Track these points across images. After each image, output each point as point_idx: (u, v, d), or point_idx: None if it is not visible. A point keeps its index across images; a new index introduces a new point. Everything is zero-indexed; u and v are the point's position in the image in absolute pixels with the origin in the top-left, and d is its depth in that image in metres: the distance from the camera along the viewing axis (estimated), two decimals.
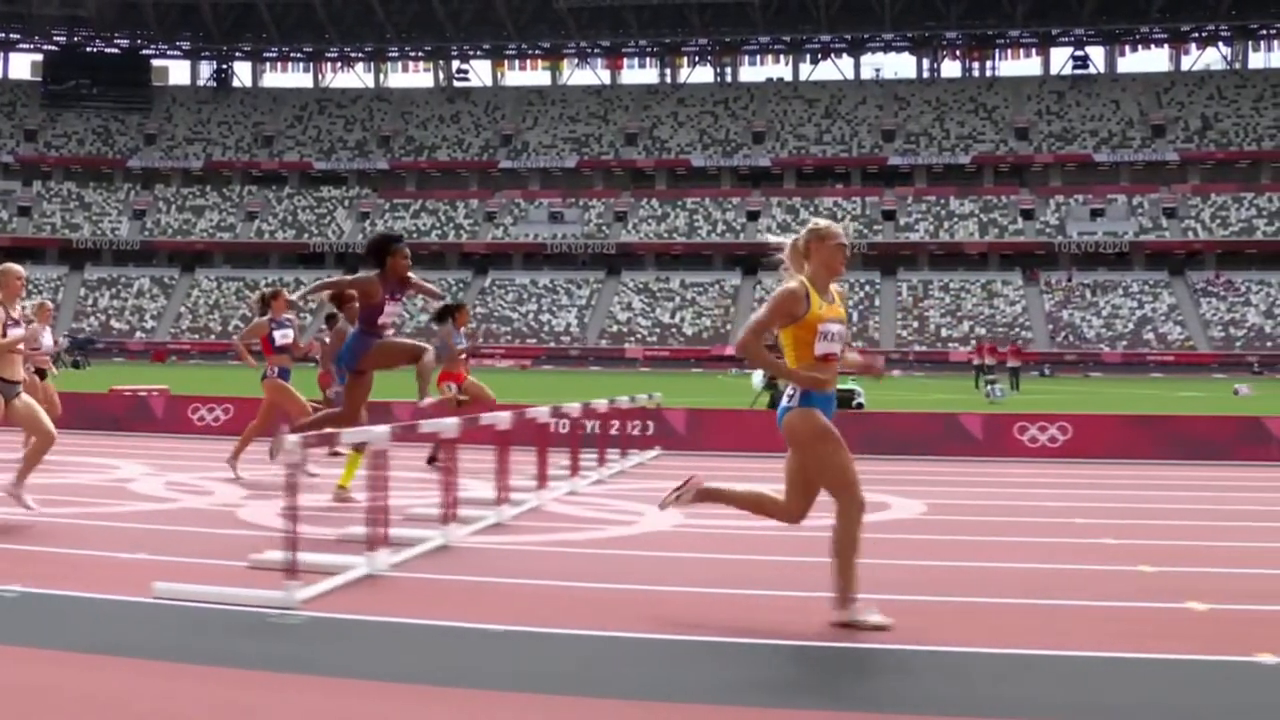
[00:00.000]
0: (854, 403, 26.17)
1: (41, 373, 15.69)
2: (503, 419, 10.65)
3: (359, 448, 10.82)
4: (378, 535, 7.98)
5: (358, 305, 10.43)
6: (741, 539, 9.77)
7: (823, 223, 6.81)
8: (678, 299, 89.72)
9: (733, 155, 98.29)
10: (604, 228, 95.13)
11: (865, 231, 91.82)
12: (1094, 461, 16.31)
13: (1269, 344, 79.41)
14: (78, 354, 63.19)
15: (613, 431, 16.88)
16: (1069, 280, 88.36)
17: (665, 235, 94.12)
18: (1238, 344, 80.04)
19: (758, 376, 23.77)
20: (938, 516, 11.21)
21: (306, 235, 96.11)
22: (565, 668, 5.73)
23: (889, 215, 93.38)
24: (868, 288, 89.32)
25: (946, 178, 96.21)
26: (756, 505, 6.99)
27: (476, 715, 5.01)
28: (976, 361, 40.88)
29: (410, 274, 10.39)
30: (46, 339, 16.10)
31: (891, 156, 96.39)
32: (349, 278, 10.53)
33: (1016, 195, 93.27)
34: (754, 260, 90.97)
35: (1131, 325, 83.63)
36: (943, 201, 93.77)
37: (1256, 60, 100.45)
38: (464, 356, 14.94)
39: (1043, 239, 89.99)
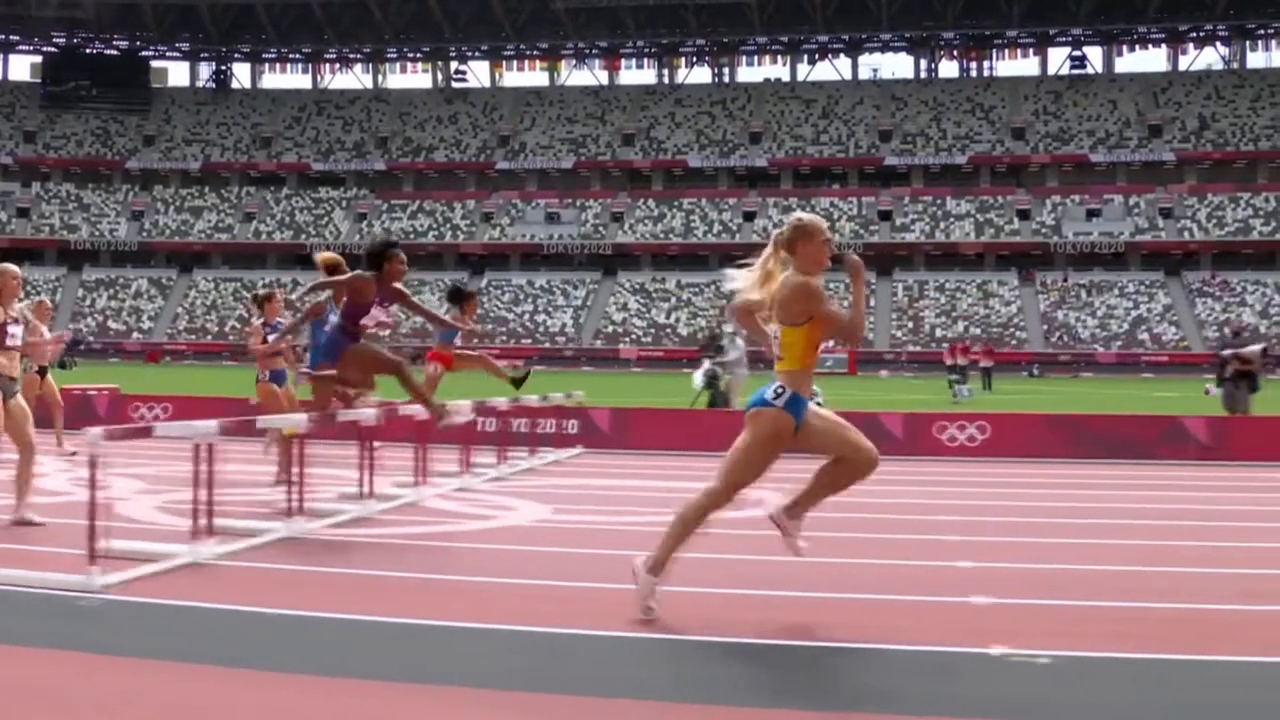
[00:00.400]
0: (814, 401, 26.27)
1: (43, 370, 15.93)
2: (371, 415, 10.78)
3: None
4: (200, 525, 8.11)
5: (345, 299, 10.41)
6: (600, 534, 9.95)
7: (806, 218, 6.86)
8: (673, 299, 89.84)
9: (729, 156, 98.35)
10: (601, 228, 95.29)
11: (861, 232, 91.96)
12: (1011, 460, 16.40)
13: (1263, 344, 79.22)
14: (64, 354, 63.30)
15: (539, 430, 17.09)
16: (1064, 280, 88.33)
17: (661, 236, 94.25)
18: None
19: (698, 376, 23.91)
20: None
21: (304, 236, 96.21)
22: (344, 653, 5.90)
23: (885, 215, 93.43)
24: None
25: (943, 178, 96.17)
26: (699, 521, 6.74)
27: (260, 694, 5.17)
28: (949, 362, 40.92)
29: (409, 295, 10.49)
30: (46, 336, 16.36)
31: (888, 157, 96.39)
32: (345, 276, 10.53)
33: (1013, 195, 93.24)
34: (751, 261, 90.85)
35: (1126, 325, 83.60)
36: (939, 202, 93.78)
37: (1254, 60, 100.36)
38: (459, 345, 14.97)
39: (1038, 239, 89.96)
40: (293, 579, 7.85)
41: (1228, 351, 19.61)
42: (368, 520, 10.36)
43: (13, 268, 10.23)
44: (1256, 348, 20.05)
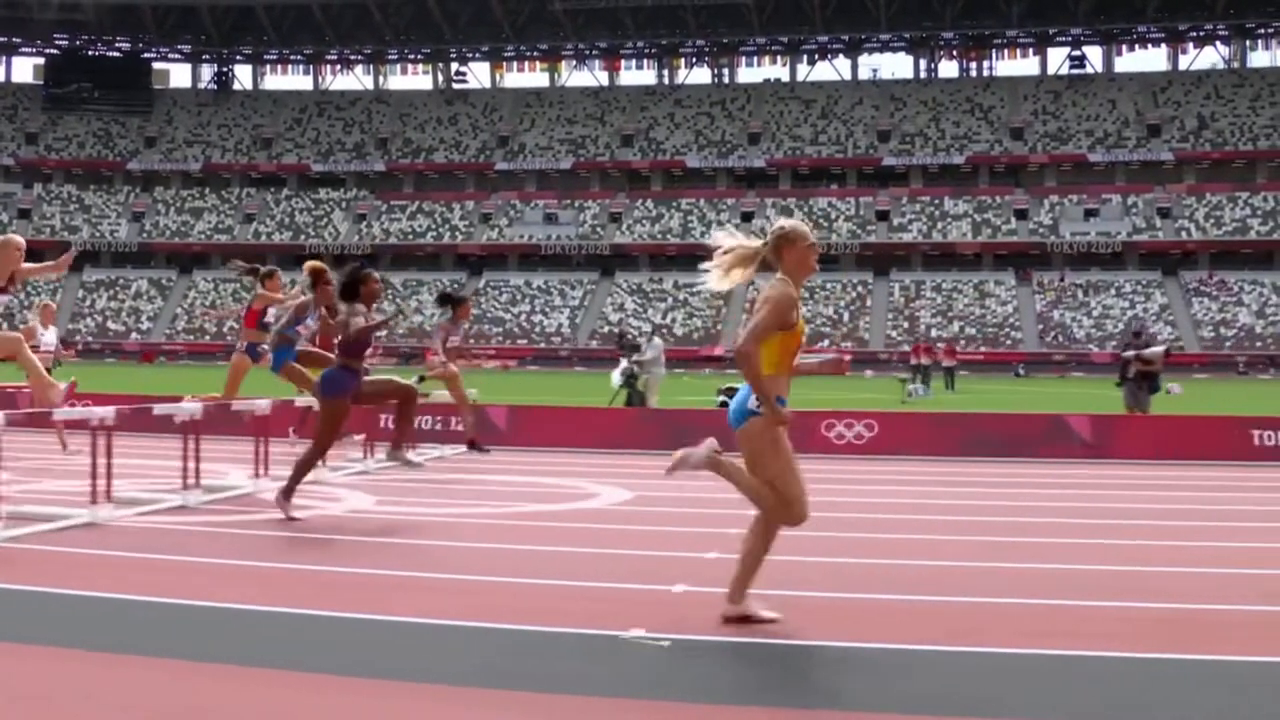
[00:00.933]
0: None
1: (47, 371, 16.03)
2: (192, 409, 10.97)
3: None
4: None
5: (343, 339, 10.51)
6: (397, 524, 10.16)
7: (788, 224, 6.75)
8: (670, 300, 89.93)
9: (728, 156, 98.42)
10: (599, 229, 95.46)
11: (858, 232, 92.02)
12: (895, 458, 16.50)
13: (1258, 344, 79.16)
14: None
15: (434, 427, 17.30)
16: (1061, 280, 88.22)
17: (659, 236, 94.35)
18: (1227, 344, 79.82)
19: (615, 374, 24.05)
20: (631, 507, 11.56)
21: (303, 237, 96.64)
22: (121, 632, 6.14)
23: (883, 215, 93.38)
24: (860, 288, 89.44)
25: (942, 178, 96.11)
26: (758, 497, 6.69)
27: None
28: (913, 362, 41.06)
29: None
30: (50, 337, 16.65)
31: (886, 157, 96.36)
32: (363, 330, 10.54)
33: (1011, 195, 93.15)
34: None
35: (1122, 325, 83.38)
36: (937, 202, 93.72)
37: (1255, 59, 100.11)
38: (458, 348, 15.50)
39: (1036, 239, 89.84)
40: (76, 561, 8.07)
41: (1130, 353, 19.67)
42: (188, 509, 10.58)
43: (17, 238, 10.39)
44: (1159, 349, 20.15)
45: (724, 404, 25.98)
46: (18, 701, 4.88)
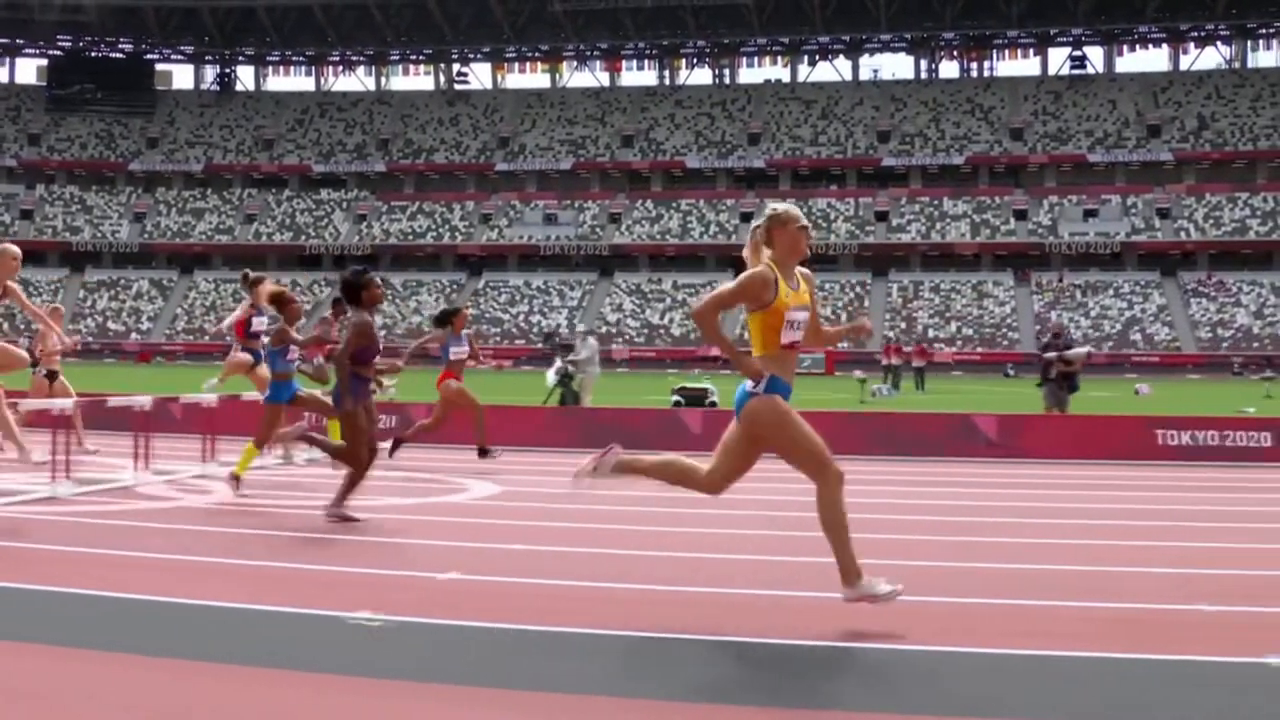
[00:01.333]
0: (706, 400, 26.86)
1: (53, 374, 16.22)
2: (63, 404, 11.24)
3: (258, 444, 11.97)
4: None
5: (353, 348, 10.40)
6: (253, 515, 10.50)
7: (780, 207, 6.83)
8: (668, 300, 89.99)
9: (727, 157, 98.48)
10: (598, 229, 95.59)
11: (857, 232, 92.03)
12: None
13: (1255, 345, 78.96)
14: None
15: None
16: (1060, 281, 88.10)
17: (658, 237, 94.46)
18: (1224, 345, 79.65)
19: (550, 374, 24.21)
20: (496, 502, 11.83)
21: (304, 238, 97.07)
22: None
23: (881, 216, 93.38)
24: (858, 288, 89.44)
25: (942, 179, 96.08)
26: (673, 475, 6.95)
27: None
28: (885, 362, 41.10)
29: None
30: (56, 341, 16.76)
31: (885, 158, 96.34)
32: (351, 336, 10.47)
33: (1010, 196, 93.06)
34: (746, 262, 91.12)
35: (1119, 326, 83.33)
36: (936, 202, 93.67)
37: (1256, 60, 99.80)
38: (465, 360, 15.70)
39: (1034, 239, 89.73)
40: None
41: (1052, 354, 19.77)
42: (57, 500, 10.88)
43: (13, 248, 10.54)
44: (1082, 350, 20.33)
45: (678, 403, 26.19)
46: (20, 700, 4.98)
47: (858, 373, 53.38)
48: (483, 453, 15.59)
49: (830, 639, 6.24)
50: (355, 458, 10.30)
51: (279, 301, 13.01)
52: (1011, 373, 67.51)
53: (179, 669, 5.38)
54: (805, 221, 6.80)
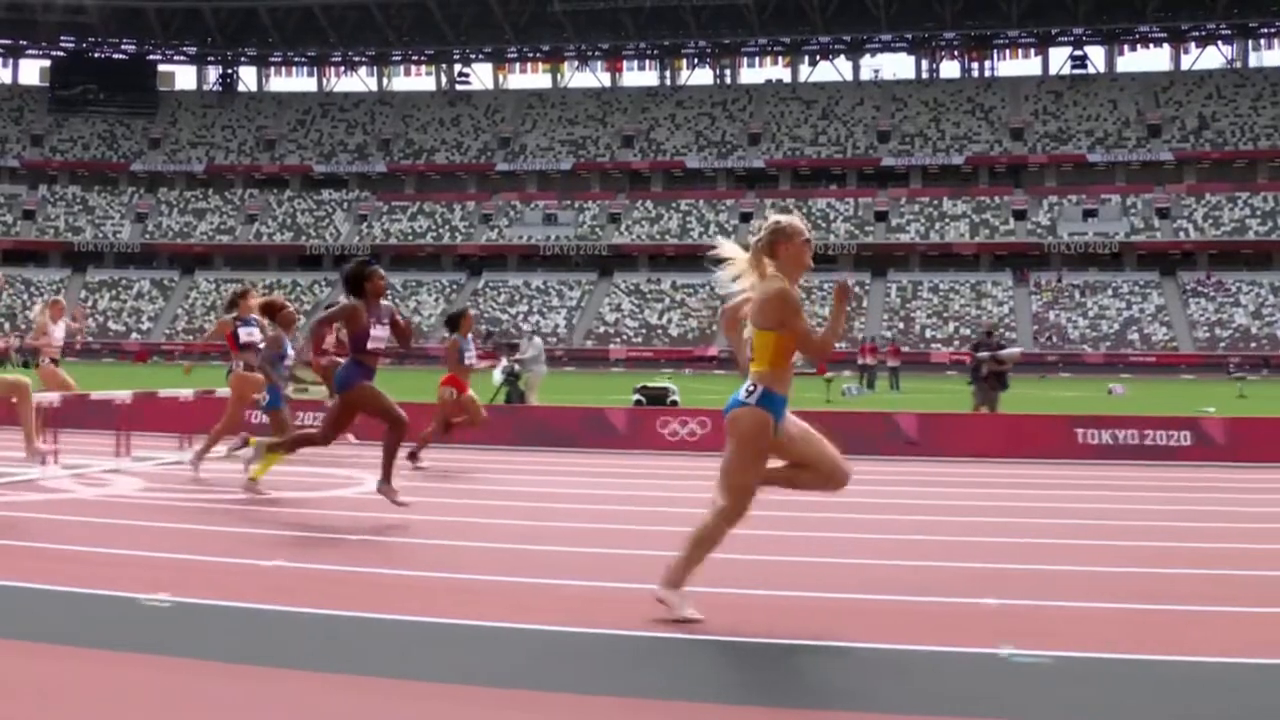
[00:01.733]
0: (668, 400, 27.07)
1: (55, 362, 16.91)
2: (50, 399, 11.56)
3: (275, 448, 11.84)
4: None
5: (343, 332, 10.74)
6: (138, 507, 10.73)
7: (784, 219, 6.77)
8: (667, 300, 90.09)
9: (727, 157, 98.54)
10: (598, 229, 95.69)
11: (856, 233, 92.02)
12: (717, 454, 16.70)
13: (1252, 345, 78.83)
14: (26, 353, 64.24)
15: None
16: (1058, 280, 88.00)
17: (658, 237, 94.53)
18: (1222, 345, 79.52)
19: (497, 373, 24.35)
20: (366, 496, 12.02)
21: (304, 238, 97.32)
22: None
23: (881, 216, 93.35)
24: (857, 289, 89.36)
25: (942, 179, 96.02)
26: (708, 543, 6.77)
27: None
28: (860, 362, 41.16)
29: (397, 316, 10.86)
30: (59, 332, 17.34)
31: (885, 157, 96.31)
32: (332, 312, 10.88)
33: (1010, 196, 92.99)
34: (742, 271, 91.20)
35: (1117, 326, 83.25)
36: (935, 202, 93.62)
37: (1258, 59, 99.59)
38: (471, 364, 15.73)
39: (1033, 239, 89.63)
40: None
41: (985, 353, 19.85)
42: None
43: None
44: (1015, 350, 20.48)
45: (639, 402, 26.33)
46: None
47: (847, 372, 53.50)
48: (413, 455, 15.37)
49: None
50: (396, 420, 10.59)
51: (270, 310, 13.23)
52: (1243, 376, 67.40)
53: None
54: (809, 234, 6.76)
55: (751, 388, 6.62)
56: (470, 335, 15.91)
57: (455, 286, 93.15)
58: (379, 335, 10.58)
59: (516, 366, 23.99)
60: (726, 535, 6.65)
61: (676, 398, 27.22)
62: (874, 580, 8.03)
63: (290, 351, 13.14)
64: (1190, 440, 17.09)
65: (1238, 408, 29.92)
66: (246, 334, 13.88)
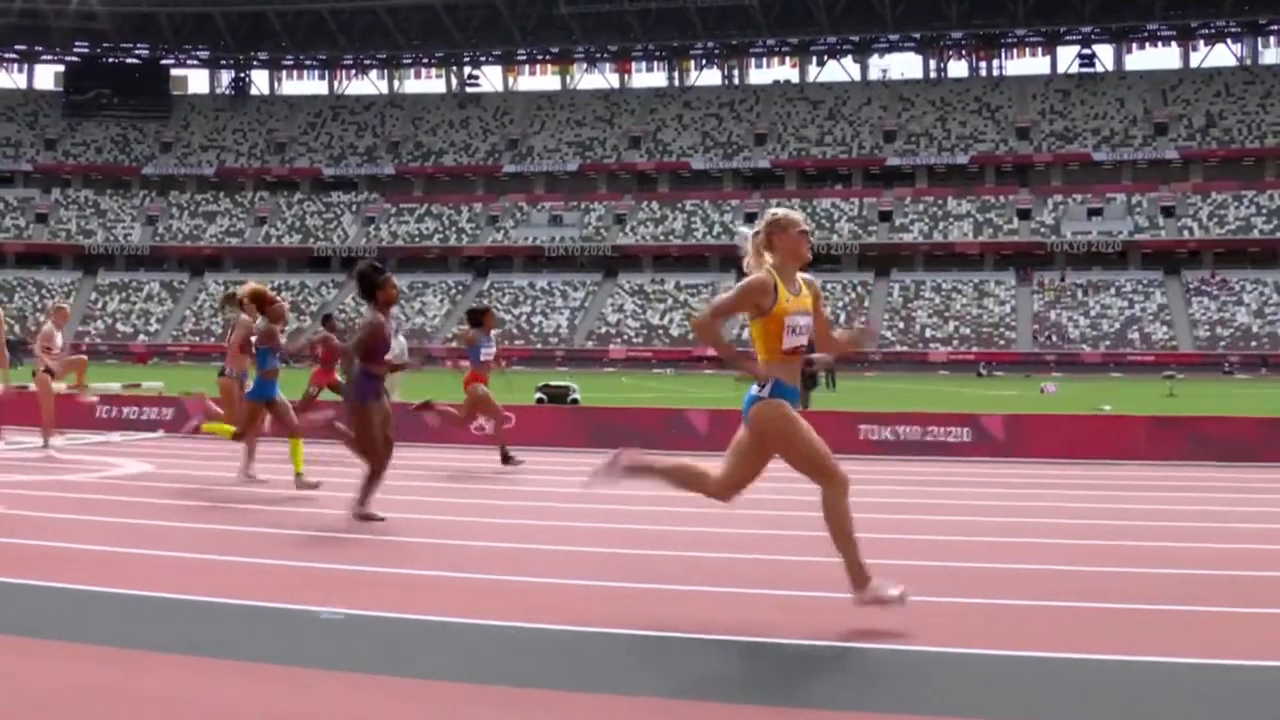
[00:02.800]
0: (569, 398, 27.58)
1: (50, 373, 16.75)
2: None
3: (295, 433, 12.17)
4: None
5: (366, 346, 10.59)
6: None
7: (780, 212, 6.84)
8: (670, 300, 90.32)
9: (733, 158, 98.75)
10: (603, 230, 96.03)
11: (860, 233, 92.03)
12: (524, 448, 17.04)
13: (1253, 344, 78.45)
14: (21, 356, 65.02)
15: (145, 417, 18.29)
16: (1062, 280, 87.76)
17: (662, 238, 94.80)
18: (1222, 344, 79.19)
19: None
20: (142, 482, 12.53)
21: (312, 240, 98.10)
22: None
23: (885, 216, 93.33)
24: (859, 288, 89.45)
25: (948, 178, 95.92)
26: (684, 479, 6.91)
27: None
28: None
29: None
30: (59, 339, 17.24)
31: (890, 157, 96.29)
32: (362, 335, 10.67)
33: (1015, 195, 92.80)
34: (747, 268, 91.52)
35: (1118, 325, 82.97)
36: (940, 202, 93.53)
37: (1268, 57, 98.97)
38: (492, 361, 15.68)
39: (1036, 239, 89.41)
40: None
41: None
42: None
43: None
44: (828, 356, 20.63)
45: (541, 400, 26.71)
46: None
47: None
48: (506, 459, 15.43)
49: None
50: (371, 452, 10.41)
51: (260, 301, 13.15)
52: (984, 372, 67.48)
53: None
54: (806, 225, 6.80)
55: (762, 383, 6.62)
56: (491, 333, 15.81)
57: (461, 288, 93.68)
58: (392, 347, 10.66)
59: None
60: (848, 507, 6.57)
61: (576, 396, 27.89)
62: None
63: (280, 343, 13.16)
64: (970, 437, 17.43)
65: (1173, 406, 29.97)
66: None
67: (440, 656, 5.82)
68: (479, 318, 15.87)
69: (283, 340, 13.24)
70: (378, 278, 10.65)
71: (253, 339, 13.17)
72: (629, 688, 5.28)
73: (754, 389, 6.64)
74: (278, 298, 13.26)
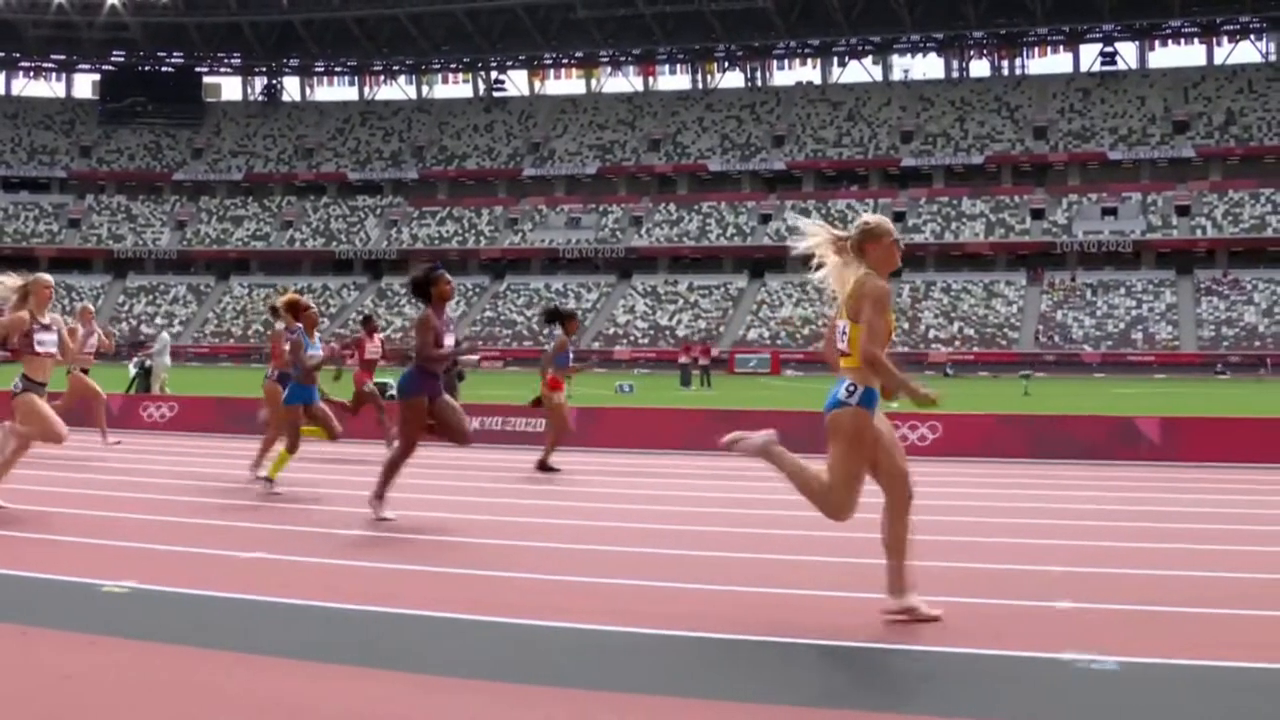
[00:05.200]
0: (386, 394, 28.52)
1: (84, 370, 17.87)
2: None
3: (291, 448, 12.39)
4: None
5: (430, 344, 10.52)
6: None
7: (874, 219, 6.85)
8: (681, 301, 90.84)
9: (750, 159, 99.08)
10: (618, 233, 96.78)
11: None
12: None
13: (1256, 344, 77.53)
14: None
15: None
16: (1072, 279, 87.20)
17: (677, 239, 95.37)
18: (1225, 344, 78.35)
19: (131, 366, 25.87)
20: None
21: (335, 243, 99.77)
22: None
23: (899, 216, 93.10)
24: None
25: (966, 178, 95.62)
26: (802, 485, 6.72)
27: None
28: (682, 360, 41.88)
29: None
30: (91, 340, 18.19)
31: (906, 158, 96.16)
32: (425, 329, 10.52)
33: (1030, 195, 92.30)
34: (762, 263, 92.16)
35: (1123, 325, 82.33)
36: (954, 202, 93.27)
37: None
38: (570, 368, 15.48)
39: (1047, 238, 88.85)
40: None
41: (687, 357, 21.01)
42: None
43: (45, 277, 10.95)
44: (473, 357, 21.71)
45: (391, 396, 27.92)
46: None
47: (789, 371, 54.21)
48: (544, 467, 15.07)
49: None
50: (406, 447, 10.50)
51: (294, 309, 13.35)
52: (950, 373, 67.48)
53: None
54: (898, 235, 6.81)
55: (852, 387, 6.52)
56: (572, 338, 15.41)
57: (478, 290, 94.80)
58: (447, 342, 10.60)
59: (148, 361, 25.51)
60: (908, 522, 6.63)
61: (394, 392, 28.72)
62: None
63: (309, 351, 13.09)
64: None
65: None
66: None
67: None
68: (564, 320, 15.30)
69: (315, 349, 13.21)
70: (430, 275, 10.65)
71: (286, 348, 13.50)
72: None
73: (842, 392, 6.55)
74: (311, 305, 13.49)
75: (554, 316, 15.35)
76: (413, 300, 10.98)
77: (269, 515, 10.77)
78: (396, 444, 10.74)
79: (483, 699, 5.14)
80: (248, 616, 6.67)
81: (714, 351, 68.51)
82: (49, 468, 13.58)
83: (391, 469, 10.43)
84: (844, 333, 6.61)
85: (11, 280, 10.71)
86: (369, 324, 17.49)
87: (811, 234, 6.87)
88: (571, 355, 15.46)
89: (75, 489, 12.17)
